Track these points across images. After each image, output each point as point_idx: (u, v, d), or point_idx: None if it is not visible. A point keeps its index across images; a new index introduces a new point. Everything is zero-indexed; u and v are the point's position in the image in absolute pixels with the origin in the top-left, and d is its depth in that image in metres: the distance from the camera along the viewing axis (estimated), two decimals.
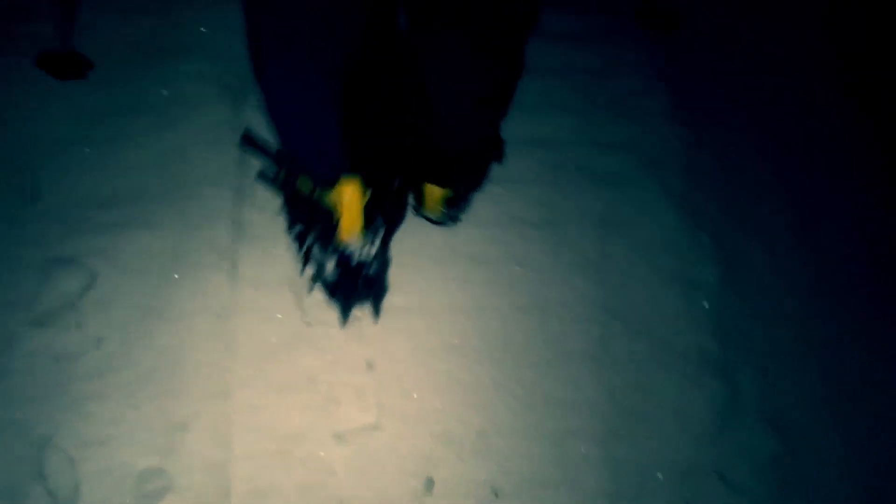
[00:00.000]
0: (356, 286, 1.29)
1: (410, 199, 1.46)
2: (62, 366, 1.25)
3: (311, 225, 1.27)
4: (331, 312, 1.33)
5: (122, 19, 1.67)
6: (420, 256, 1.43)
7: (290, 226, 1.35)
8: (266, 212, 1.43)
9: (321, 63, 1.03)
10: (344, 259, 1.25)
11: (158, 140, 1.50)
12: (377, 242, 1.27)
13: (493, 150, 1.53)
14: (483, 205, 1.50)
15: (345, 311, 1.33)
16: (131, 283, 1.33)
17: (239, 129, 1.48)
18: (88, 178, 1.45)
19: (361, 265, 1.26)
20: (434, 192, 1.37)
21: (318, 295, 1.34)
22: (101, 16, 1.66)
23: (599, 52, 1.74)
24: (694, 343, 1.38)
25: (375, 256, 1.27)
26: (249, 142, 1.34)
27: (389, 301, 1.36)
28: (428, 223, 1.46)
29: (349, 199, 1.18)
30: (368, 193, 1.22)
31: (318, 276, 1.32)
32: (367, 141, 1.35)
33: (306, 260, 1.32)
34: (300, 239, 1.32)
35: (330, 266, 1.27)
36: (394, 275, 1.39)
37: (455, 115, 1.22)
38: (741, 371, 1.37)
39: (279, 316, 1.32)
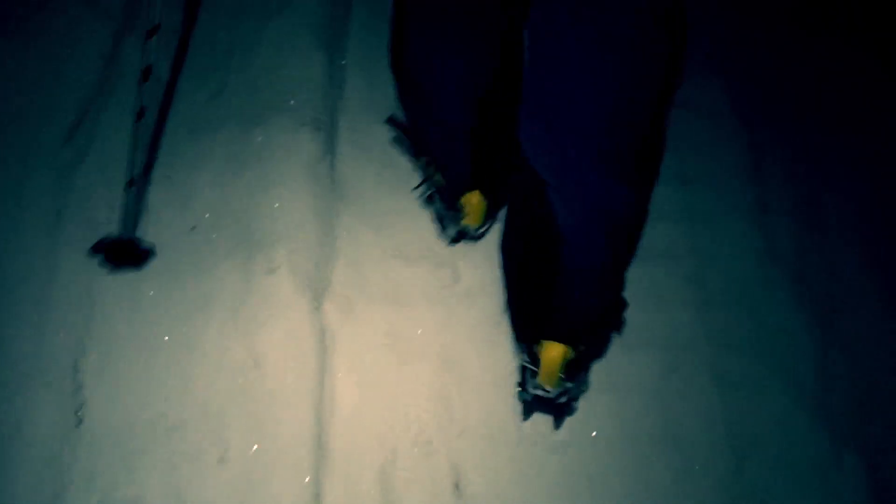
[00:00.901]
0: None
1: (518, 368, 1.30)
2: None
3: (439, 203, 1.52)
4: None
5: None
6: None
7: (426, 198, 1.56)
8: None
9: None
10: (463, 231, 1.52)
11: None
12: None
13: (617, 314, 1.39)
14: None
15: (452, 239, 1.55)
16: None
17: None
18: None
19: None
20: (553, 354, 1.21)
21: None
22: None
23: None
24: None
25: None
26: (395, 123, 1.50)
27: None
28: None
29: (474, 205, 1.45)
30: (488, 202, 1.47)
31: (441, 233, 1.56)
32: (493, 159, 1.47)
33: (441, 225, 1.55)
34: (432, 205, 1.55)
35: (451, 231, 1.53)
36: None
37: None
38: None
39: None
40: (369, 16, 1.82)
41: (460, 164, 1.41)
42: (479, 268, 1.55)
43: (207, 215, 1.54)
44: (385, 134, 1.66)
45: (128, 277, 1.46)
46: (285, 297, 1.46)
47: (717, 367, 1.44)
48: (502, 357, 1.46)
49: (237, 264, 1.49)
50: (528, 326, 1.35)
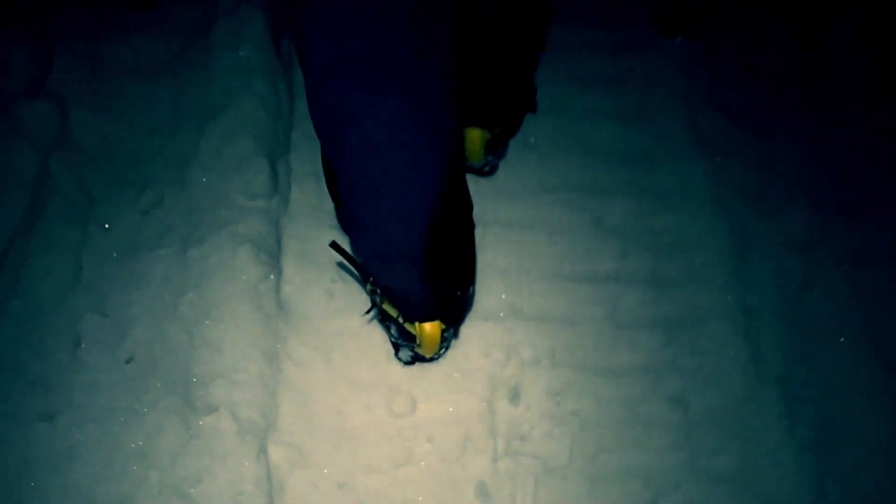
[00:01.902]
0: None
1: None
2: None
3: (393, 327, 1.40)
4: None
5: None
6: None
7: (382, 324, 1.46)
8: None
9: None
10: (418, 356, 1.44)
11: None
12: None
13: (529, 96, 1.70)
14: None
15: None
16: None
17: None
18: None
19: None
20: (474, 136, 1.49)
21: None
22: None
23: None
24: None
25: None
26: (338, 249, 1.30)
27: None
28: None
29: (430, 336, 1.33)
30: (448, 332, 1.40)
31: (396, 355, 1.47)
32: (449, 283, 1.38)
33: (395, 349, 1.46)
34: (386, 327, 1.45)
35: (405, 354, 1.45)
36: None
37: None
38: None
39: None
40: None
41: (413, 293, 1.28)
42: (435, 394, 1.43)
43: (142, 350, 1.42)
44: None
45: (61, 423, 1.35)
46: (227, 442, 1.32)
47: None
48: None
49: (175, 403, 1.36)
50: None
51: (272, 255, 1.50)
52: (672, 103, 1.82)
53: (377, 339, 1.47)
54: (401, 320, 1.32)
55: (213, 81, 1.68)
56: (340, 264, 1.52)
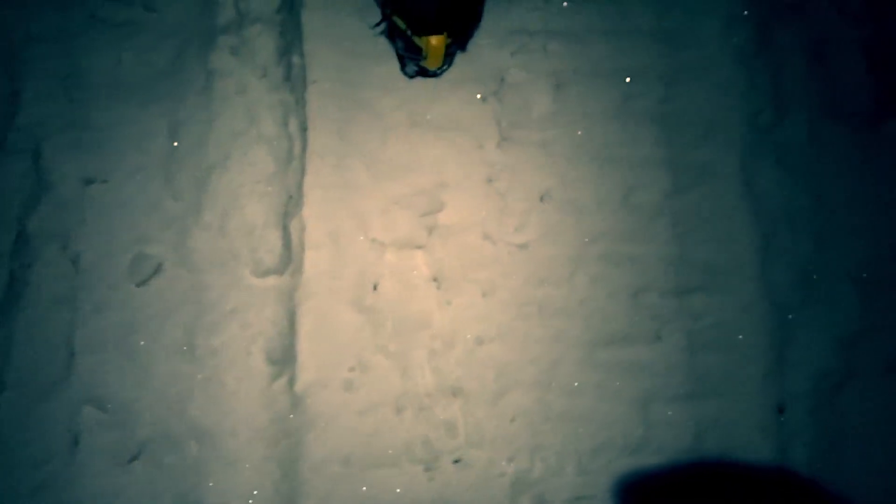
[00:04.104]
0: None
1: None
2: None
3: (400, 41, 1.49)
4: None
5: None
6: None
7: (389, 39, 1.55)
8: None
9: None
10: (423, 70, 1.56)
11: None
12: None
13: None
14: None
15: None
16: None
17: None
18: None
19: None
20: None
21: None
22: None
23: None
24: None
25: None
26: None
27: None
28: None
29: (435, 48, 1.40)
30: (454, 48, 1.52)
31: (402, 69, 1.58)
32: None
33: (401, 61, 1.56)
34: (392, 42, 1.54)
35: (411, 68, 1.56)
36: None
37: None
38: None
39: None
40: None
41: (422, 3, 1.35)
42: None
43: (147, 452, 1.31)
44: None
45: None
46: None
47: None
48: None
49: None
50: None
51: (286, 348, 1.38)
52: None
53: None
54: (409, 33, 1.40)
55: (214, 121, 1.44)
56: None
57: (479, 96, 1.56)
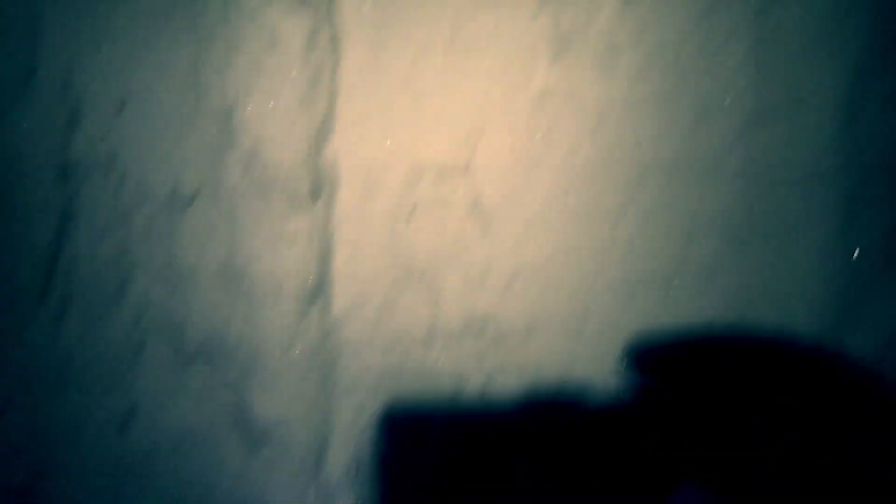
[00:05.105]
0: None
1: None
2: None
3: None
4: None
5: None
6: None
7: None
8: None
9: None
10: None
11: None
12: None
13: None
14: None
15: None
16: None
17: None
18: None
19: None
20: None
21: None
22: None
23: None
24: None
25: None
26: None
27: None
28: None
29: None
30: None
31: None
32: None
33: None
34: None
35: None
36: None
37: None
38: None
39: None
40: None
41: None
42: None
43: None
44: None
45: None
46: None
47: None
48: None
49: None
50: None
51: (320, 277, 1.40)
52: None
53: None
54: None
55: (238, 44, 1.38)
56: None
57: (531, 5, 1.37)
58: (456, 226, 1.43)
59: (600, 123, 1.38)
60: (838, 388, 1.32)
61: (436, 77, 1.39)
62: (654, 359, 1.39)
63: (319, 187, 1.42)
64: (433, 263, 1.43)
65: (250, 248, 1.40)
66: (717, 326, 1.37)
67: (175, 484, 1.43)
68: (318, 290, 1.41)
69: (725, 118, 1.37)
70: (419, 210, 1.43)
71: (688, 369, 1.34)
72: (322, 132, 1.41)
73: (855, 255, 1.33)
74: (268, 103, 1.39)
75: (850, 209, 1.36)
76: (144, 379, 1.44)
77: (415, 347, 1.42)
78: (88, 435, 1.43)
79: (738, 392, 1.33)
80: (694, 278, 1.38)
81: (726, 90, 1.36)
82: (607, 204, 1.39)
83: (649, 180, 1.39)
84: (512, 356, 1.42)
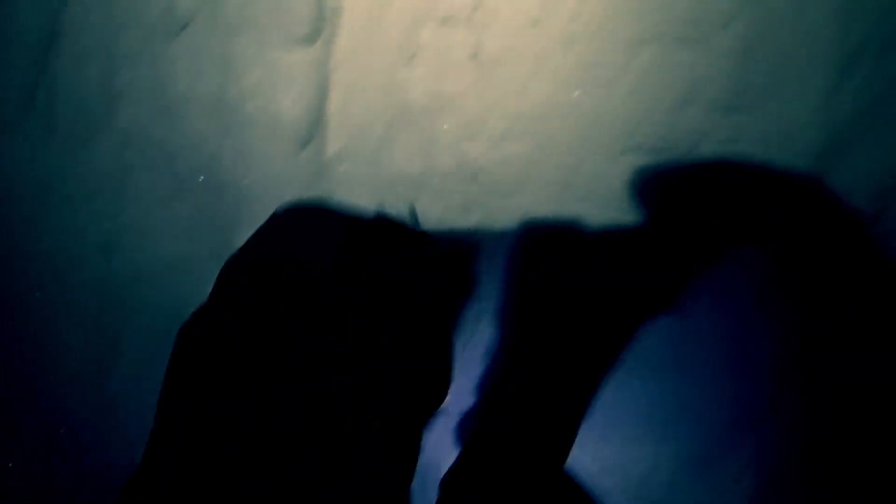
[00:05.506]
0: None
1: None
2: None
3: None
4: None
5: None
6: None
7: None
8: None
9: None
10: None
11: None
12: None
13: None
14: None
15: None
16: None
17: None
18: None
19: None
20: None
21: None
22: None
23: None
24: None
25: None
26: None
27: None
28: None
29: None
30: None
31: None
32: None
33: None
34: None
35: None
36: None
37: None
38: None
39: None
40: None
41: None
42: None
43: None
44: None
45: None
46: None
47: None
48: None
49: None
50: None
51: (316, 117, 1.39)
52: None
53: None
54: None
55: None
56: None
57: None
58: (454, 76, 1.43)
59: None
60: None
61: None
62: (644, 211, 1.45)
63: (320, 27, 1.39)
64: (429, 110, 1.43)
65: (245, 84, 1.38)
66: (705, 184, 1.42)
67: (159, 312, 1.44)
68: (313, 129, 1.41)
69: None
70: (419, 56, 1.43)
71: (677, 217, 1.39)
72: None
73: None
74: None
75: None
76: (130, 208, 1.42)
77: (406, 191, 1.44)
78: (72, 255, 1.41)
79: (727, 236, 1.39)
80: (684, 142, 1.43)
81: None
82: (604, 65, 1.41)
83: (645, 48, 1.41)
84: (498, 209, 1.46)
